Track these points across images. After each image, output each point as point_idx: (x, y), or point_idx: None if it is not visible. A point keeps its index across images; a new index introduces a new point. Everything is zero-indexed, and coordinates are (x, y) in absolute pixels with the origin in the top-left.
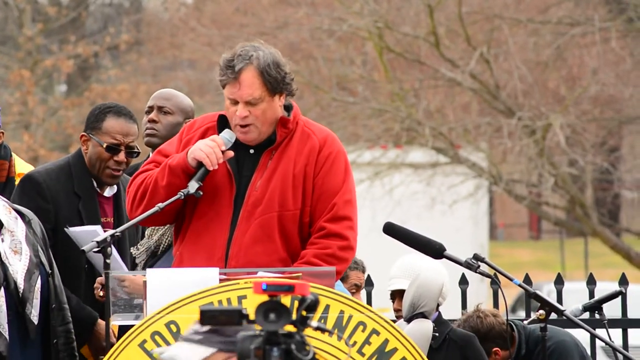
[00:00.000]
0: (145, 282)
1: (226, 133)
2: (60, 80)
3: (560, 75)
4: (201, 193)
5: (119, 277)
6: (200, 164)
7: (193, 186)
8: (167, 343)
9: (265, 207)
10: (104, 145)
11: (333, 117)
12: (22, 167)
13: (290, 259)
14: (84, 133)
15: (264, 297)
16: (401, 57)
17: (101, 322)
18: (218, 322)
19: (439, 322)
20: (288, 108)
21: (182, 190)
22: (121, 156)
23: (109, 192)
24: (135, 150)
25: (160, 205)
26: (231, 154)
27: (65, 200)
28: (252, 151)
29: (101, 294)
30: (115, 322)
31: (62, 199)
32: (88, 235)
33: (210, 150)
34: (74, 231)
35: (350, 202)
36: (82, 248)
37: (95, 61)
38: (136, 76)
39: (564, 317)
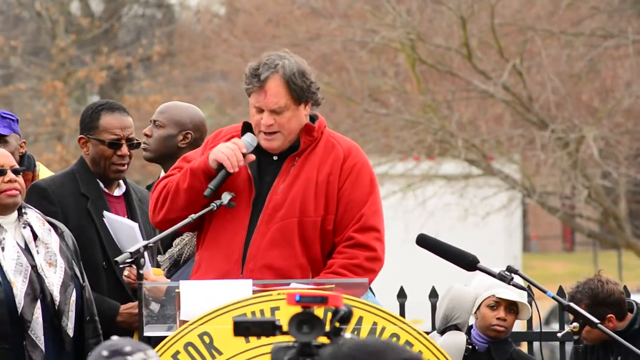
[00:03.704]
0: (178, 292)
1: (248, 136)
2: (93, 92)
3: (593, 87)
4: (234, 204)
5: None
6: (220, 166)
7: (226, 197)
8: (200, 354)
9: (286, 211)
10: (106, 142)
11: (365, 129)
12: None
13: (310, 265)
14: (81, 136)
15: (297, 309)
16: (433, 68)
17: (123, 309)
18: (251, 333)
19: (505, 342)
20: (313, 118)
21: (215, 202)
22: (124, 150)
23: (118, 191)
24: (135, 141)
25: (193, 216)
26: (252, 157)
27: (72, 201)
28: (275, 158)
29: (126, 273)
30: (148, 333)
31: (68, 201)
32: (121, 227)
33: (231, 152)
34: (111, 218)
35: (378, 213)
36: (116, 259)
37: (128, 72)
38: (168, 87)
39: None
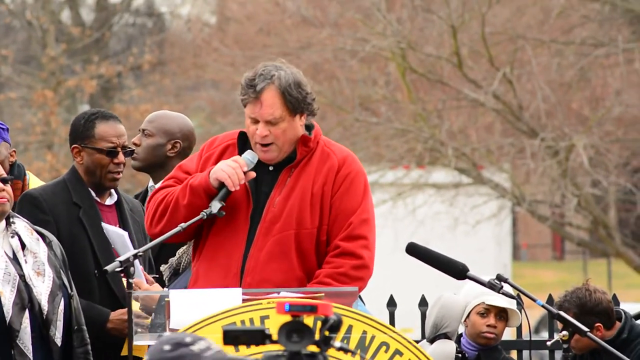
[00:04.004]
0: (168, 301)
1: (248, 154)
2: (83, 101)
3: (583, 96)
4: (224, 213)
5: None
6: (222, 185)
7: (216, 206)
8: None
9: (283, 224)
10: (105, 151)
11: (356, 138)
12: (37, 186)
13: (307, 277)
14: (75, 145)
15: (287, 318)
16: (424, 77)
17: (114, 316)
18: (241, 342)
19: (495, 349)
20: (309, 127)
21: (204, 210)
22: (120, 157)
23: (109, 200)
24: (129, 149)
25: (183, 225)
26: (253, 174)
27: (64, 210)
28: (271, 168)
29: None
30: (138, 342)
31: (60, 210)
32: (116, 236)
33: (232, 171)
34: (107, 228)
35: (367, 221)
36: (105, 268)
37: (119, 81)
38: (159, 96)
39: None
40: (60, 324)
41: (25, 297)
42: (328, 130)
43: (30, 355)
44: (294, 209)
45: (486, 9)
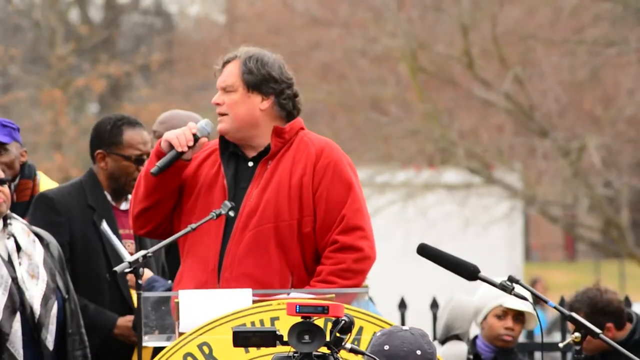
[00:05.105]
0: (177, 303)
1: (203, 121)
2: (92, 100)
3: (595, 95)
4: (233, 214)
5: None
6: (171, 147)
7: (225, 206)
8: None
9: (260, 218)
10: (133, 159)
11: (366, 137)
12: (47, 186)
13: (290, 271)
14: (100, 150)
15: (298, 319)
16: (434, 77)
17: (121, 322)
18: (251, 343)
19: (511, 351)
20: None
21: (214, 211)
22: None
23: (124, 205)
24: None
25: (193, 225)
26: (205, 140)
27: (79, 213)
28: (250, 164)
29: None
30: (147, 343)
31: (75, 212)
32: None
33: (181, 132)
34: (106, 229)
35: (360, 210)
36: (114, 269)
37: (127, 81)
38: (168, 96)
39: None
40: (52, 327)
41: (16, 301)
42: (338, 130)
43: (21, 359)
44: (271, 201)
45: (497, 8)
